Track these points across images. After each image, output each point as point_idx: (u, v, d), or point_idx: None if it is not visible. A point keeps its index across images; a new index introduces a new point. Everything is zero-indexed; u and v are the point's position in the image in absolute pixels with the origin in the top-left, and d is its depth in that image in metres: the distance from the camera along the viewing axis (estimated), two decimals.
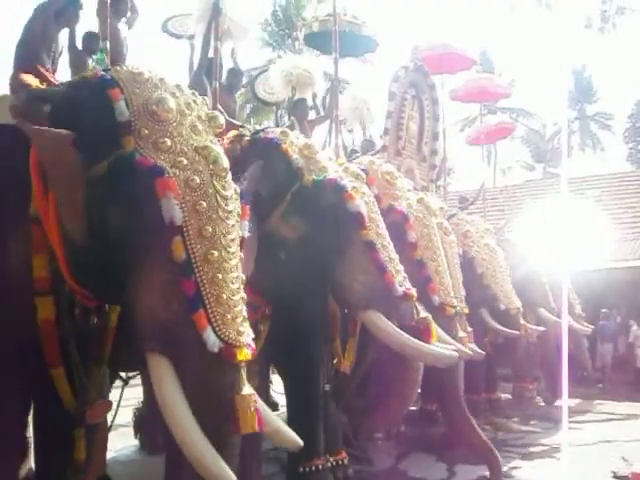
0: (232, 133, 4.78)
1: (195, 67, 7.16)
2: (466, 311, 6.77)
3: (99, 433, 4.17)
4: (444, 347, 5.09)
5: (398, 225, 5.71)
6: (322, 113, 9.03)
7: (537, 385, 12.17)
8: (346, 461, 6.32)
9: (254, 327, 4.66)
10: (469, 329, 6.71)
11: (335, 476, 6.06)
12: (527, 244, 12.39)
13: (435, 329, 4.74)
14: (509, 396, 11.02)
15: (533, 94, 55.00)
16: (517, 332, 8.99)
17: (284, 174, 4.39)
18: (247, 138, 4.64)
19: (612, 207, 18.90)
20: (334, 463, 6.13)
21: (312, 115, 8.63)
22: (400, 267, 4.77)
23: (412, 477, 6.56)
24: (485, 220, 12.08)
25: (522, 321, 9.12)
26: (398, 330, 4.50)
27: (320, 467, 5.87)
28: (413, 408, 7.04)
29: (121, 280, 3.03)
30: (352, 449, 6.89)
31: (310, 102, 8.96)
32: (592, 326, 12.80)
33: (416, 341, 4.49)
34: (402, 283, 4.61)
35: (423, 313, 4.75)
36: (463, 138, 25.19)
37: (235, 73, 7.95)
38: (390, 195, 5.85)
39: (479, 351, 6.40)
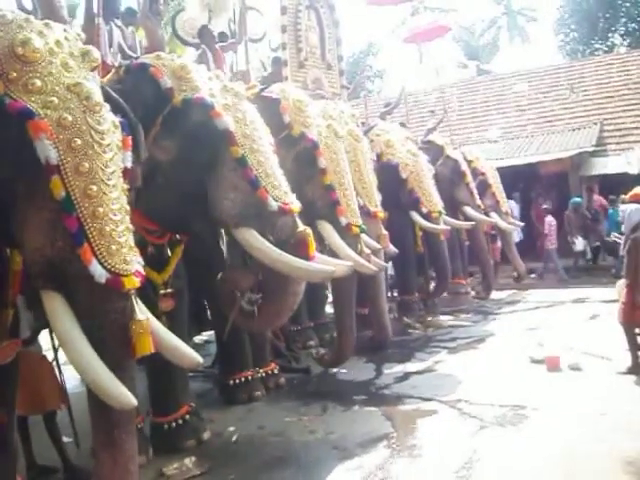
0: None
1: None
2: (381, 215, 7.02)
3: (32, 370, 4.31)
4: (335, 262, 5.20)
5: (309, 152, 6.01)
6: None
7: (471, 281, 12.74)
8: (276, 371, 6.65)
9: (162, 251, 4.89)
10: (384, 232, 6.99)
11: (266, 386, 6.40)
12: (453, 144, 12.62)
13: (312, 242, 4.59)
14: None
15: None
16: (444, 227, 9.48)
17: (153, 97, 4.30)
18: (123, 67, 4.54)
19: (543, 100, 19.24)
20: (264, 374, 6.47)
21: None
22: (281, 182, 4.61)
23: (342, 380, 6.84)
24: (409, 123, 12.26)
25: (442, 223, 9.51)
26: (270, 246, 4.42)
27: (250, 378, 6.20)
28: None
29: (9, 224, 3.12)
30: (284, 360, 7.26)
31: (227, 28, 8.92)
32: (521, 224, 13.31)
33: (287, 256, 4.40)
34: (279, 198, 4.49)
35: (301, 227, 4.59)
36: (395, 40, 24.83)
37: None
38: (301, 122, 5.99)
39: (382, 264, 6.70)
